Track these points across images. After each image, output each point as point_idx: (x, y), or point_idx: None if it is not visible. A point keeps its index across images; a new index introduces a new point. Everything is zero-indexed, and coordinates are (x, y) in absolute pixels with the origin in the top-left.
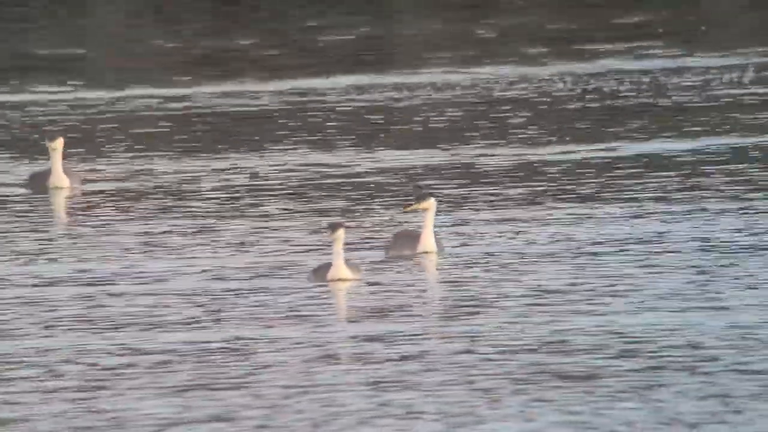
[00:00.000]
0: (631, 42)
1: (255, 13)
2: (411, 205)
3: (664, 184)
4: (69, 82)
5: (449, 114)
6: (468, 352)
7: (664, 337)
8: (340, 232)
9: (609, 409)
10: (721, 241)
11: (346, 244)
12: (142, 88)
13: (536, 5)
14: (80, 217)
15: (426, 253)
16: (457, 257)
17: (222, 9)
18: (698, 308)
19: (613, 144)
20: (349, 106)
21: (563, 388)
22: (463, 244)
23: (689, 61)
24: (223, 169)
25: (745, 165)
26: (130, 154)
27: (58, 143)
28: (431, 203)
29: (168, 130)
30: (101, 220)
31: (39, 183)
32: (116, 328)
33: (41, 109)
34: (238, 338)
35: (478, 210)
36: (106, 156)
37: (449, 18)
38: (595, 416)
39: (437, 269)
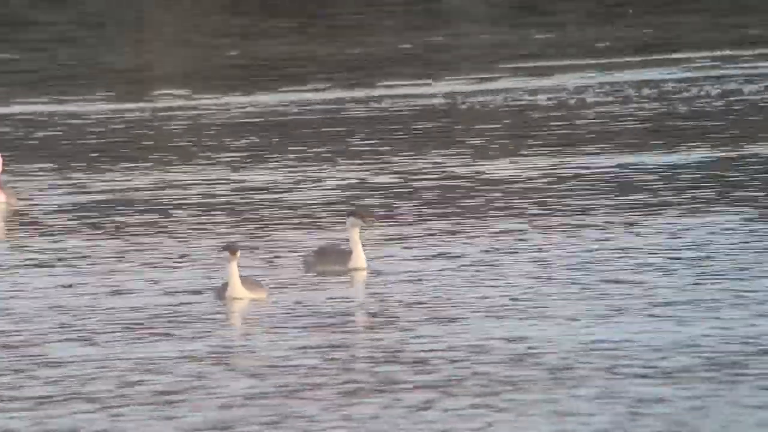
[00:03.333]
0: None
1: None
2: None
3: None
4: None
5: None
6: (387, 362)
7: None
8: (237, 255)
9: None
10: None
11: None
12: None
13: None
14: None
15: (357, 269)
16: (381, 273)
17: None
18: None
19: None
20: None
21: (483, 397)
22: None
23: None
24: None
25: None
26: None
27: None
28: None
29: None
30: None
31: None
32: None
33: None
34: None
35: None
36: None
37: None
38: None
39: (365, 285)
